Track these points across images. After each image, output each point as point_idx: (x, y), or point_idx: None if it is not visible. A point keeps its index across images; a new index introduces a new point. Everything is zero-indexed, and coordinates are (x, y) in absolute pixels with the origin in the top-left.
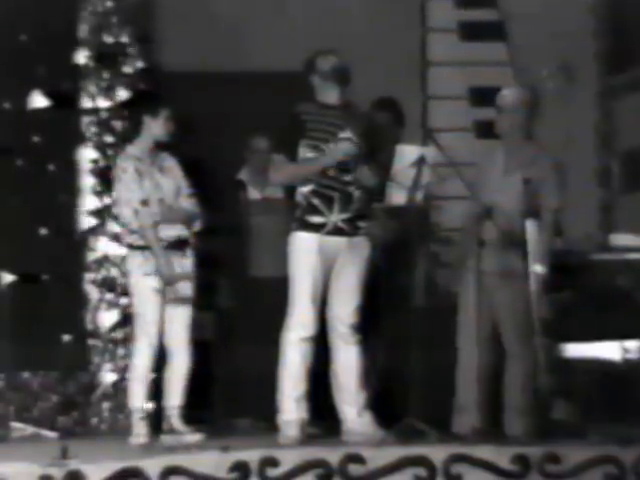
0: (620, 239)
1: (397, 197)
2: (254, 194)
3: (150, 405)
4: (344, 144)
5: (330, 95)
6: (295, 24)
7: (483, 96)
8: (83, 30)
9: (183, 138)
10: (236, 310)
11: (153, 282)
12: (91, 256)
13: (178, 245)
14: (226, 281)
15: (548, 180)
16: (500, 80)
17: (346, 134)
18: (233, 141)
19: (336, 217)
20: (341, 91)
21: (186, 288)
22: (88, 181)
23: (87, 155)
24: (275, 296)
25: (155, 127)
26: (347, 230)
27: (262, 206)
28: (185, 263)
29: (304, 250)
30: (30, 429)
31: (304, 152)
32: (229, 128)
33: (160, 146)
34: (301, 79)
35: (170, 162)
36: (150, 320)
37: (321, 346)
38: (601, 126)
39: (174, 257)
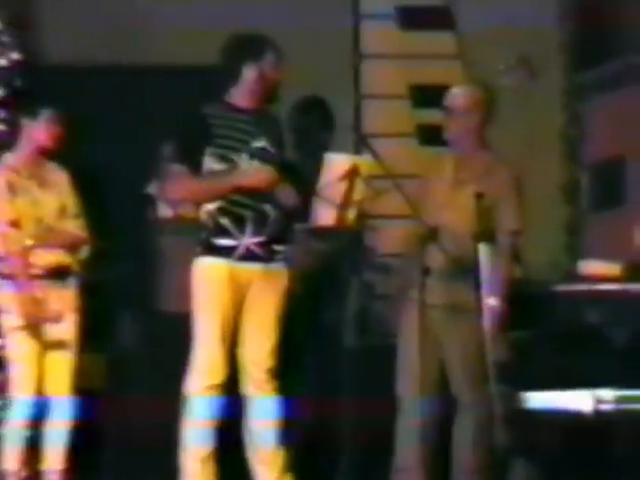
0: (590, 266)
1: (324, 216)
2: (165, 211)
3: (25, 469)
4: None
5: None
6: (206, 11)
7: (428, 95)
8: None
9: (74, 145)
10: (135, 352)
11: (20, 321)
12: None
13: (57, 274)
14: (124, 317)
15: (505, 196)
16: (448, 77)
17: (261, 142)
18: (139, 148)
19: (249, 239)
20: None
21: (64, 328)
22: None
23: None
24: (185, 335)
25: (35, 131)
26: (262, 255)
27: (174, 226)
28: (66, 296)
29: (210, 279)
30: None
31: (210, 163)
32: (133, 133)
33: (44, 154)
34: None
35: (56, 174)
36: (23, 366)
37: (232, 395)
38: (568, 132)
39: (52, 288)
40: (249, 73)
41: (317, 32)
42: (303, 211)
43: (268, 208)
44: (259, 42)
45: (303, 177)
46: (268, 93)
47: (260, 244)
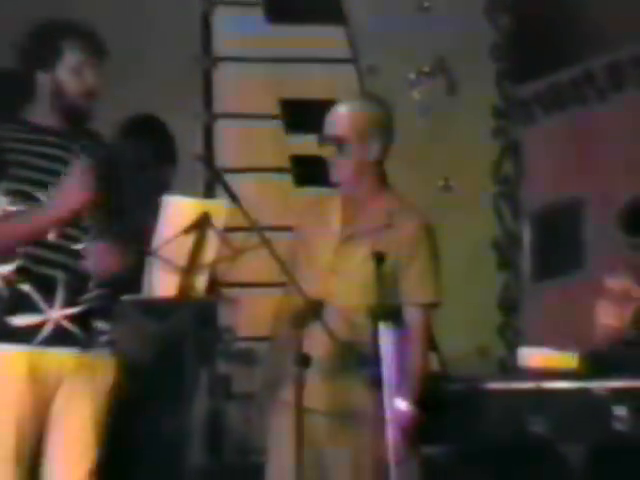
0: (535, 356)
1: (162, 283)
2: None
3: None
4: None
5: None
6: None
7: (306, 115)
8: None
9: None
10: None
11: None
12: None
13: None
14: None
15: (415, 256)
16: (334, 89)
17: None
18: None
19: (59, 312)
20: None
21: None
22: None
23: None
24: None
25: None
26: (78, 335)
27: None
28: None
29: (1, 376)
30: None
31: (2, 204)
32: None
33: None
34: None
35: None
36: None
37: None
38: (501, 165)
39: None
40: (45, 80)
41: (153, 27)
42: (133, 276)
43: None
44: (59, 35)
45: (133, 228)
46: (74, 108)
47: (75, 319)
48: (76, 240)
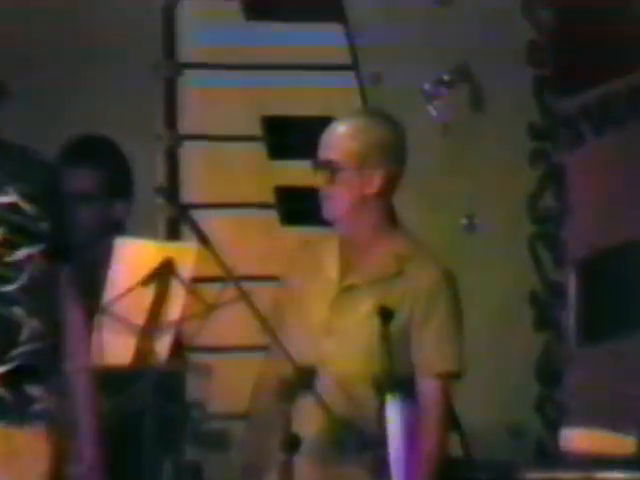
0: (582, 438)
1: (114, 346)
2: None
3: None
4: None
5: None
6: None
7: (292, 136)
8: None
9: None
10: None
11: None
12: None
13: None
14: None
15: (430, 311)
16: (330, 103)
17: (7, 197)
18: None
19: None
20: None
21: None
22: None
23: None
24: None
25: None
26: (6, 401)
27: None
28: None
29: None
30: None
31: None
32: None
33: None
34: None
35: None
36: None
37: None
38: (539, 200)
39: None
40: None
41: (105, 20)
42: (81, 337)
43: (19, 314)
44: None
45: (79, 277)
46: None
47: (3, 380)
48: (3, 280)
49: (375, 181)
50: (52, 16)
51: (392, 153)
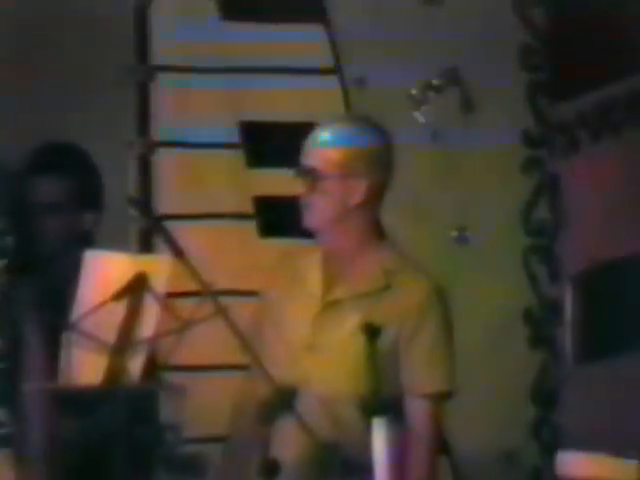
0: (579, 462)
1: (84, 366)
2: None
3: None
4: None
5: None
6: None
7: (272, 143)
8: None
9: None
10: None
11: None
12: None
13: None
14: None
15: (419, 328)
16: (311, 107)
17: None
18: None
19: None
20: None
21: None
22: None
23: None
24: None
25: None
26: None
27: None
28: None
29: None
30: None
31: None
32: None
33: None
34: None
35: None
36: None
37: None
38: (533, 209)
39: None
40: None
41: (73, 18)
42: (43, 357)
43: None
44: None
45: (44, 292)
46: None
47: None
48: None
49: (359, 191)
50: (19, 20)
51: (377, 161)
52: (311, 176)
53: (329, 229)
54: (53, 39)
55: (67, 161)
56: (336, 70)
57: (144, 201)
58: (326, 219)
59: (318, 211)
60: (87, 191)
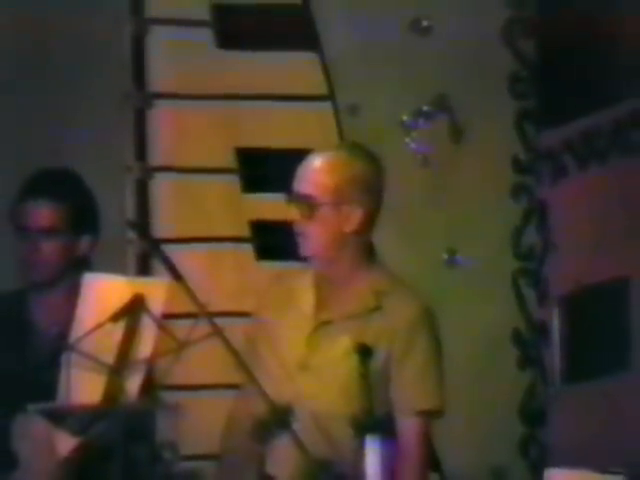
0: (562, 478)
1: (82, 385)
2: None
3: None
4: None
5: None
6: None
7: (267, 169)
8: None
9: None
10: None
11: None
12: None
13: None
14: None
15: (409, 348)
16: (304, 135)
17: None
18: None
19: None
20: None
21: None
22: None
23: None
24: None
25: None
26: None
27: None
28: None
29: None
30: None
31: None
32: None
33: None
34: None
35: None
36: None
37: None
38: (521, 233)
39: None
40: None
41: (74, 44)
42: (42, 375)
43: None
44: None
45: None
46: None
47: None
48: None
49: (353, 218)
50: (19, 45)
51: (371, 189)
52: (305, 203)
53: (324, 255)
54: (51, 65)
55: (61, 187)
56: (329, 97)
57: (142, 225)
58: (322, 246)
59: (314, 239)
60: (82, 216)
